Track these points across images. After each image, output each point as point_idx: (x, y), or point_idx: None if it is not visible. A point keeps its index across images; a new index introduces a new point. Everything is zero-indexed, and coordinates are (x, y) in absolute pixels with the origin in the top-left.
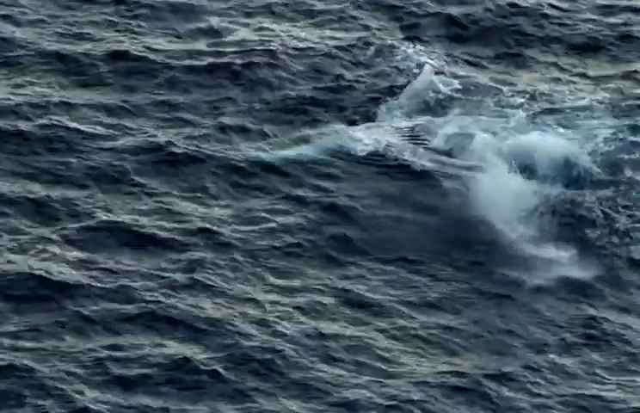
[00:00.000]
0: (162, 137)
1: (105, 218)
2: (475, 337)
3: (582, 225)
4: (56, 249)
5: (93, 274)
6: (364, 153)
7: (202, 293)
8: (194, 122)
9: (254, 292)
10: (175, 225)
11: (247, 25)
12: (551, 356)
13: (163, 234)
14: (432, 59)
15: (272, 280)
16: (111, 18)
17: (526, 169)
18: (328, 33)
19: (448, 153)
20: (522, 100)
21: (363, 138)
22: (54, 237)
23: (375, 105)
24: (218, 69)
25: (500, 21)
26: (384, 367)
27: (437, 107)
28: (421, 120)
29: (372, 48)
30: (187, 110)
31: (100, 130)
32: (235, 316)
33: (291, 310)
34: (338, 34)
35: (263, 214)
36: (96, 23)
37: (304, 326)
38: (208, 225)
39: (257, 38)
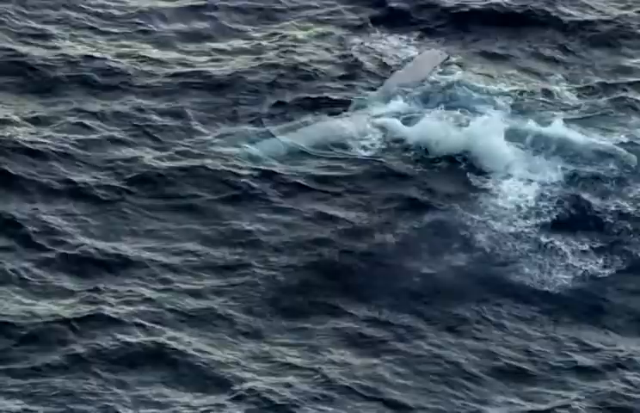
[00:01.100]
0: (141, 150)
1: (88, 242)
2: (495, 369)
3: (593, 227)
4: (38, 279)
5: (80, 307)
6: (351, 145)
7: (202, 326)
8: (173, 132)
9: (259, 323)
10: (166, 248)
11: (219, 25)
12: (579, 385)
13: (154, 259)
14: (422, 50)
15: (278, 307)
16: (76, 17)
17: (529, 165)
18: (308, 25)
19: (441, 146)
20: (518, 93)
21: (349, 130)
22: (33, 265)
23: (361, 94)
24: (194, 74)
25: (495, 13)
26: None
27: (428, 98)
28: (408, 110)
29: (358, 39)
30: (165, 119)
31: (73, 144)
32: (240, 350)
33: (300, 343)
34: (321, 28)
35: (259, 228)
36: (56, 24)
37: (316, 363)
38: (201, 247)
39: (233, 37)
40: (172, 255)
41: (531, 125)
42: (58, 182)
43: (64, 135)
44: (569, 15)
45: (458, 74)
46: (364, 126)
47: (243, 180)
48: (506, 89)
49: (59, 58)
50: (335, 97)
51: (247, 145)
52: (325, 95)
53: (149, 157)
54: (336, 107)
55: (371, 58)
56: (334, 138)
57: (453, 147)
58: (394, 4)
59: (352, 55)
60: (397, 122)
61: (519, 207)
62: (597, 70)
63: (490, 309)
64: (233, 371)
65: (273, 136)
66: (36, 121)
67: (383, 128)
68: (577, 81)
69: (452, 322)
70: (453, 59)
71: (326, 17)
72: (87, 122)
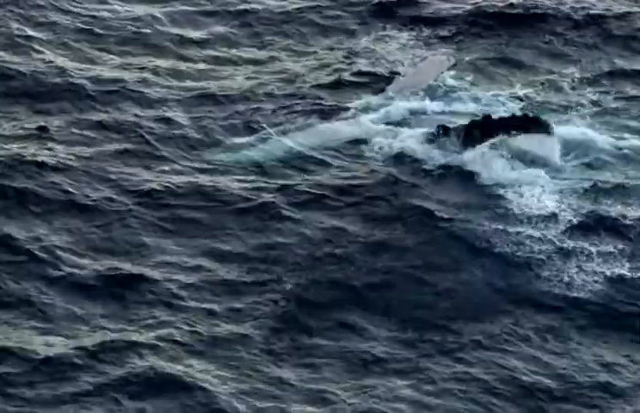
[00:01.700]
0: (146, 164)
1: (100, 264)
2: (523, 387)
3: (616, 231)
4: (52, 304)
5: (97, 333)
6: (355, 150)
7: (222, 350)
8: (178, 144)
9: (281, 346)
10: (180, 268)
11: (220, 34)
12: (612, 404)
13: (169, 280)
14: (428, 54)
15: (298, 329)
16: (73, 27)
17: (547, 168)
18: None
19: (452, 152)
20: (530, 95)
21: (352, 133)
22: (44, 290)
23: (365, 98)
24: (196, 85)
25: (506, 14)
26: None
27: (435, 101)
28: (414, 114)
29: (362, 42)
30: (169, 131)
31: (77, 159)
32: (263, 376)
33: (323, 366)
34: (324, 32)
35: (275, 244)
36: (54, 36)
37: (341, 387)
38: (216, 266)
39: (234, 45)
40: (187, 275)
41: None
42: (67, 201)
43: (68, 150)
44: (582, 14)
45: (468, 77)
46: (367, 131)
47: (254, 194)
48: (520, 92)
49: (58, 70)
50: (337, 101)
51: (249, 151)
52: (328, 98)
53: (155, 171)
54: (339, 111)
55: (375, 62)
56: (337, 141)
57: (464, 153)
58: (399, 7)
59: (356, 58)
60: (404, 128)
61: (539, 213)
62: (610, 70)
63: (516, 321)
64: (256, 398)
65: (275, 140)
66: (38, 136)
67: (388, 133)
68: (592, 81)
69: (477, 337)
70: (466, 59)
71: (330, 21)
72: (90, 135)
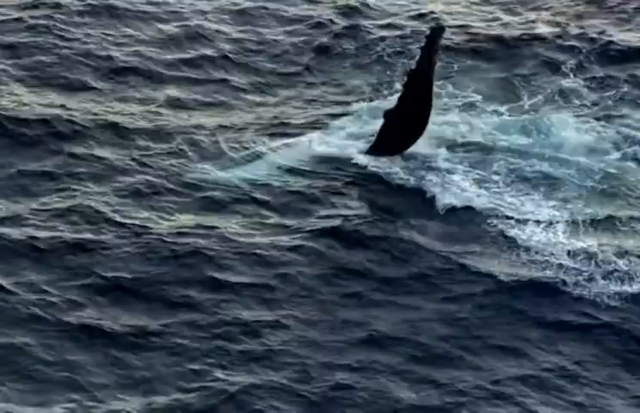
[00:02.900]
0: (139, 208)
1: (105, 322)
2: None
3: (630, 246)
4: (44, 368)
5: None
6: (334, 173)
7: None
8: (155, 183)
9: (301, 407)
10: (180, 321)
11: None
12: None
13: (180, 339)
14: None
15: (320, 386)
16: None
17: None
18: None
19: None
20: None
21: (323, 153)
22: (34, 347)
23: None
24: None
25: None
26: None
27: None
28: None
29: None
30: (142, 170)
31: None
32: None
33: None
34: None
35: (282, 287)
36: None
37: None
38: (218, 305)
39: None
40: (199, 319)
41: (547, 140)
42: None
43: (62, 191)
44: (580, 29)
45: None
46: (345, 151)
47: (254, 229)
48: (526, 105)
49: (42, 111)
50: (311, 121)
51: (226, 175)
52: (304, 120)
53: (153, 209)
54: (312, 130)
55: (354, 85)
56: (314, 163)
57: (449, 175)
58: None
59: (330, 82)
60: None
61: (548, 233)
62: (616, 76)
63: (543, 351)
64: None
65: (256, 161)
66: (31, 176)
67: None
68: (598, 89)
69: (507, 371)
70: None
71: (303, 45)
72: (76, 177)
